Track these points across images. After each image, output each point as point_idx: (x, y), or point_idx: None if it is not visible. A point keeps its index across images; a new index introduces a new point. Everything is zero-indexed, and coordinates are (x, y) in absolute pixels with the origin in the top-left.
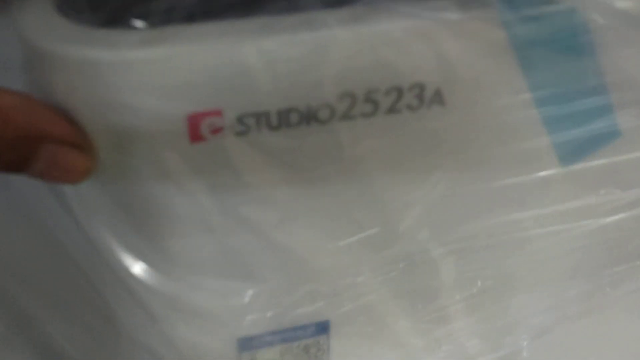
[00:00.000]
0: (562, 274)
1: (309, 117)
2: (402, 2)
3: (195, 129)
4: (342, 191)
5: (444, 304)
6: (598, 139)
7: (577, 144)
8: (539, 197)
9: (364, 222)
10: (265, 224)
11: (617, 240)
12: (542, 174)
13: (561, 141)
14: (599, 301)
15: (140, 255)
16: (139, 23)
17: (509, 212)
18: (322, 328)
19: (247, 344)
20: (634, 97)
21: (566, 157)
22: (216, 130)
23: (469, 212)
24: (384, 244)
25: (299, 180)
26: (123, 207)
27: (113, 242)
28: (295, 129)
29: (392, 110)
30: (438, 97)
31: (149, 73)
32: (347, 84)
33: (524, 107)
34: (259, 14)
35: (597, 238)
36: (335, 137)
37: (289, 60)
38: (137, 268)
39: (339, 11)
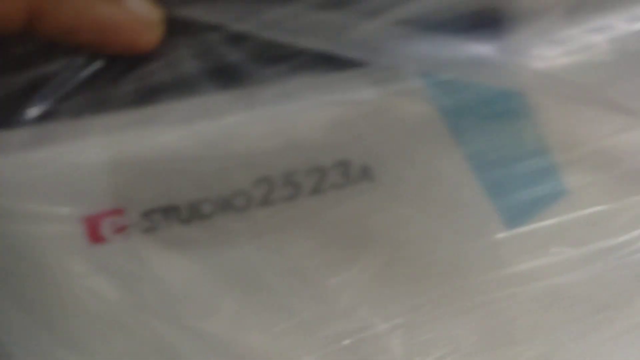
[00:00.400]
0: (517, 335)
1: (224, 206)
2: (314, 83)
3: (95, 230)
4: (268, 279)
5: None
6: (544, 199)
7: (522, 206)
8: (487, 262)
9: (296, 305)
10: (186, 318)
11: (574, 298)
12: (487, 239)
13: (505, 206)
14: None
15: None
16: (22, 120)
17: (455, 280)
18: None
19: None
20: (578, 154)
21: (511, 220)
22: (119, 230)
23: (412, 283)
24: (321, 324)
25: (220, 271)
26: (29, 311)
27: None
28: (209, 219)
29: (316, 190)
30: (366, 173)
31: (36, 174)
32: (260, 169)
33: (462, 177)
34: (153, 103)
35: (550, 298)
36: (255, 224)
37: (191, 150)
38: None
39: (240, 93)
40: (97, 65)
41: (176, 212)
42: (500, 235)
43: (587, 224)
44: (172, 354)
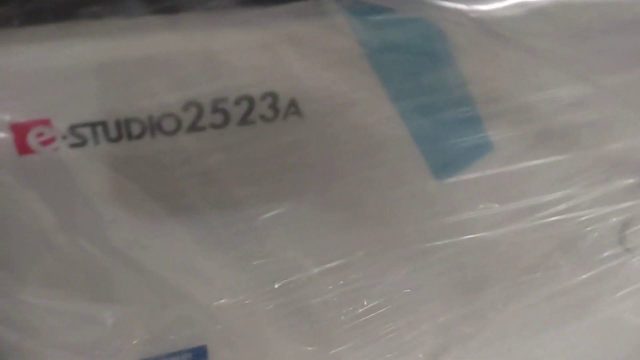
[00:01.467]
0: (450, 291)
1: (153, 128)
2: (239, 10)
3: (22, 140)
4: (199, 207)
5: (328, 325)
6: (471, 152)
7: (450, 158)
8: (416, 212)
9: (228, 239)
10: (116, 241)
11: (503, 256)
12: (416, 187)
13: (433, 154)
14: (493, 319)
15: None
16: None
17: (384, 228)
18: (199, 354)
19: None
20: (501, 108)
21: (440, 171)
22: (46, 142)
23: (342, 227)
24: (253, 262)
25: (149, 196)
26: None
27: None
28: (139, 140)
29: (245, 121)
30: (294, 108)
31: None
32: (189, 92)
33: (389, 119)
34: (83, 18)
35: (480, 253)
36: (184, 149)
37: (118, 66)
38: None
39: (170, 17)
40: None
41: (104, 128)
42: (431, 185)
43: (511, 181)
44: (101, 276)
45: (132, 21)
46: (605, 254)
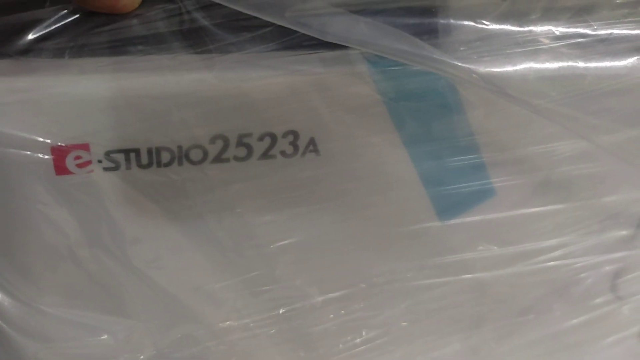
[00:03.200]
0: (446, 326)
1: (181, 157)
2: (272, 55)
3: (61, 161)
4: (216, 233)
5: (326, 353)
6: (474, 197)
7: (454, 201)
8: (419, 249)
9: (240, 265)
10: (135, 260)
11: (499, 296)
12: (420, 226)
13: (438, 197)
14: (485, 357)
15: (4, 284)
16: (10, 52)
17: (387, 262)
18: None
19: None
20: (505, 157)
21: (444, 212)
22: (83, 165)
23: (348, 260)
24: (261, 288)
25: (171, 220)
26: None
27: None
28: (167, 168)
29: (266, 155)
30: (313, 146)
31: (14, 102)
32: (217, 127)
33: (400, 161)
34: (126, 54)
35: (477, 293)
36: (208, 178)
37: (156, 100)
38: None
39: (207, 57)
40: (78, 15)
41: (137, 155)
42: (434, 225)
43: (511, 226)
44: (117, 292)
45: (173, 59)
46: (597, 301)
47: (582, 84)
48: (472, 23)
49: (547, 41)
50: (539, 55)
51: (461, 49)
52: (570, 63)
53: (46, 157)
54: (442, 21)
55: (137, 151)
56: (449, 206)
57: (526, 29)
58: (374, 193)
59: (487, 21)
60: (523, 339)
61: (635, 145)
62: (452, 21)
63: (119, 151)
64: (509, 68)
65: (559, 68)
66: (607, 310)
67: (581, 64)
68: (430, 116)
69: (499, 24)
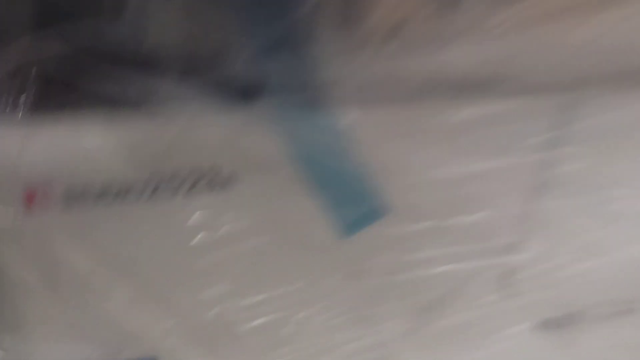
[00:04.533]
0: (351, 325)
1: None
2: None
3: (30, 200)
4: (154, 271)
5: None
6: (372, 215)
7: (354, 219)
8: (328, 264)
9: (177, 305)
10: (92, 301)
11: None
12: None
13: (341, 217)
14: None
15: None
16: None
17: (298, 282)
18: None
19: None
20: (402, 179)
21: (346, 230)
22: (46, 204)
23: (259, 277)
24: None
25: (116, 257)
26: None
27: None
28: (110, 207)
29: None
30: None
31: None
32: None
33: (302, 188)
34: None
35: (383, 293)
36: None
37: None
38: None
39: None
40: None
41: (85, 194)
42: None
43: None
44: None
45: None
46: (490, 298)
47: None
48: None
49: None
50: None
51: None
52: None
53: (19, 195)
54: None
55: (85, 192)
56: (351, 224)
57: None
58: (282, 225)
59: None
60: (429, 330)
61: None
62: None
63: (75, 191)
64: None
65: None
66: (500, 306)
67: None
68: (327, 145)
69: None
